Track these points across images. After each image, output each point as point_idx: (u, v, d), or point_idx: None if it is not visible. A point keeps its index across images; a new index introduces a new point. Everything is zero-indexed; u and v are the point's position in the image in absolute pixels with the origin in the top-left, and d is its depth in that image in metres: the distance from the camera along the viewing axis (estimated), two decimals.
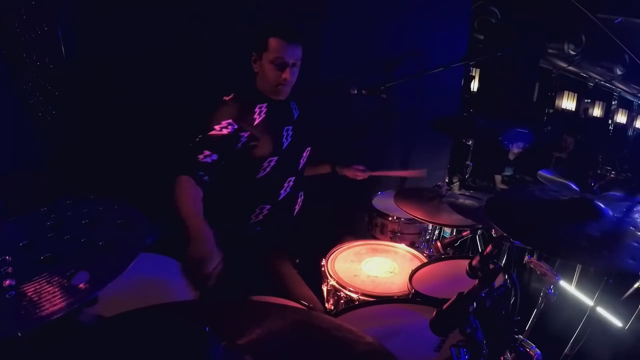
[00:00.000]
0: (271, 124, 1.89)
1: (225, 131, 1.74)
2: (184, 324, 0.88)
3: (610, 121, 6.65)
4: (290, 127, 1.98)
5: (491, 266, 1.11)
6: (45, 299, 0.72)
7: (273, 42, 1.79)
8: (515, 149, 4.82)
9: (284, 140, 1.94)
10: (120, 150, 2.22)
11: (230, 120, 1.75)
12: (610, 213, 1.23)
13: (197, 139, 1.70)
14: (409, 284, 1.68)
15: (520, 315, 1.38)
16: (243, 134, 1.79)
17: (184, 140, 1.85)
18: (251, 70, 1.91)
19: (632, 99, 6.15)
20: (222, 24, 2.28)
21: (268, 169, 1.89)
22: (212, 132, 1.71)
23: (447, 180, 3.47)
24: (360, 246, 2.08)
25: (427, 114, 2.75)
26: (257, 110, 1.86)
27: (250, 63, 1.90)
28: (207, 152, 1.66)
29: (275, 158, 1.89)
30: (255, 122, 1.84)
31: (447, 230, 2.63)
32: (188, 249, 1.28)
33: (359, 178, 2.31)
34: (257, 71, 1.89)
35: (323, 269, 1.85)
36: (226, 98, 1.84)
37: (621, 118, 6.61)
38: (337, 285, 1.74)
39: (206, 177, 1.62)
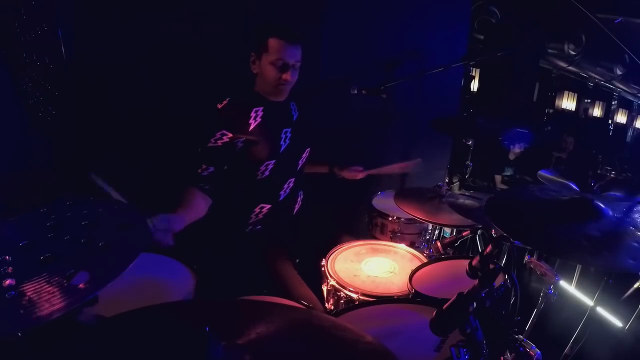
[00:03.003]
0: (268, 127, 1.89)
1: (220, 142, 1.78)
2: (184, 324, 0.88)
3: (610, 121, 6.65)
4: (289, 129, 1.98)
5: (491, 266, 1.10)
6: (44, 298, 0.72)
7: (273, 42, 1.79)
8: (517, 149, 4.82)
9: (281, 142, 1.94)
10: (120, 151, 2.22)
11: (223, 131, 1.78)
12: (610, 213, 1.23)
13: (196, 152, 1.79)
14: (409, 284, 1.68)
15: (520, 315, 1.38)
16: (238, 140, 1.81)
17: (184, 141, 1.86)
18: (250, 72, 1.91)
19: (632, 99, 6.15)
20: (221, 24, 2.28)
21: (267, 172, 1.89)
22: (209, 145, 1.78)
23: (447, 180, 3.48)
24: (360, 246, 2.08)
25: (427, 114, 2.75)
26: (252, 114, 1.86)
27: (249, 64, 1.89)
28: (204, 166, 1.77)
29: (273, 161, 1.89)
30: (251, 127, 1.84)
31: (447, 230, 2.63)
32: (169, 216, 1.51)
33: (357, 177, 2.31)
34: (257, 72, 1.88)
35: (323, 269, 1.85)
36: (219, 106, 1.83)
37: (621, 118, 6.61)
38: (337, 285, 1.74)
39: (207, 187, 1.77)
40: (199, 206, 1.73)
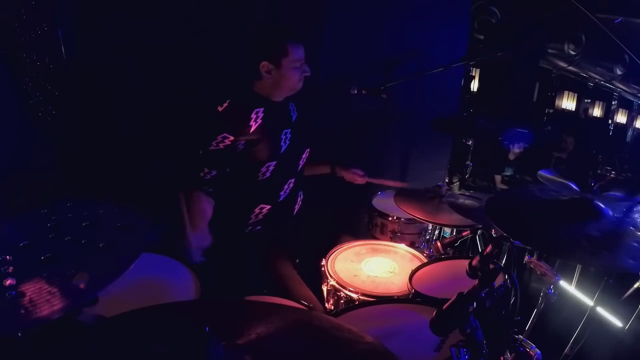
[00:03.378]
0: (269, 128, 1.88)
1: (221, 145, 1.77)
2: (184, 324, 0.88)
3: (610, 121, 6.64)
4: (289, 130, 1.98)
5: (491, 266, 1.10)
6: (45, 298, 0.72)
7: (292, 46, 1.80)
8: (517, 149, 4.81)
9: (282, 143, 1.94)
10: (121, 151, 2.23)
11: (225, 134, 1.77)
12: (610, 213, 1.23)
13: (197, 156, 1.79)
14: (409, 284, 1.68)
15: (520, 315, 1.39)
16: (240, 142, 1.80)
17: (185, 143, 1.86)
18: (251, 73, 1.89)
19: (632, 99, 6.14)
20: (221, 24, 2.28)
21: (268, 174, 1.89)
22: (210, 148, 1.77)
23: (447, 180, 3.48)
24: (360, 246, 2.08)
25: (427, 114, 2.75)
26: (253, 116, 1.85)
27: (259, 71, 1.82)
28: (206, 170, 1.77)
29: (274, 163, 1.89)
30: (252, 129, 1.84)
31: (447, 230, 2.63)
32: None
33: (356, 182, 2.31)
34: (272, 79, 1.84)
35: (323, 269, 1.85)
36: (220, 108, 1.82)
37: (621, 118, 6.60)
38: (337, 285, 1.74)
39: (210, 189, 1.79)
40: (208, 211, 1.75)
